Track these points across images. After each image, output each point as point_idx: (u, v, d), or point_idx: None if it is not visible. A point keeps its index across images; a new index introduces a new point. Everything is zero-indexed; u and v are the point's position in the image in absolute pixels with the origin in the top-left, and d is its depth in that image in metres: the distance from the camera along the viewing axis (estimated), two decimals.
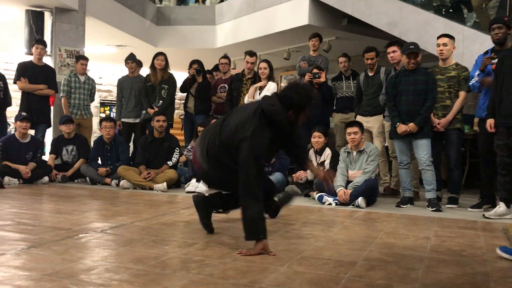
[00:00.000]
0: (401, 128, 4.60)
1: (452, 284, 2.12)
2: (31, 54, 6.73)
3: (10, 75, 7.55)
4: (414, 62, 4.57)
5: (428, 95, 4.55)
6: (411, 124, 4.54)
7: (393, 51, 5.24)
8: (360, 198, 4.46)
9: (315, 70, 5.96)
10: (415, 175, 5.18)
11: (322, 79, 5.91)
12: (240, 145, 2.71)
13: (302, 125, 3.26)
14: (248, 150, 2.67)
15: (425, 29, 5.96)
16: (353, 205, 4.51)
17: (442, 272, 2.31)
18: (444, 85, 4.76)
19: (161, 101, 6.51)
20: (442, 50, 4.75)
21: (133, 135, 7.01)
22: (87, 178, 6.16)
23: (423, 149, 4.55)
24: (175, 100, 7.12)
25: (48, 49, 6.88)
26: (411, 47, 4.62)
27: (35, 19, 7.17)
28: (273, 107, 2.82)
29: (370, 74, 5.66)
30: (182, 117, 7.15)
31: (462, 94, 4.74)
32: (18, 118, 6.00)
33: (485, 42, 5.28)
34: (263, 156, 2.98)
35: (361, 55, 5.77)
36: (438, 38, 4.81)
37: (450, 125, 4.74)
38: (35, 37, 6.98)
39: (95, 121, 9.09)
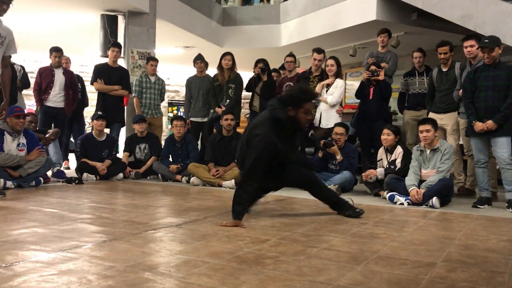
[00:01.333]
0: (478, 126, 4.39)
1: None
2: (106, 56, 7.06)
3: (86, 77, 7.98)
4: (489, 57, 4.34)
5: (509, 92, 4.29)
6: (490, 122, 4.31)
7: (470, 45, 4.97)
8: (434, 198, 4.30)
9: (372, 68, 5.85)
10: (493, 174, 4.92)
11: (381, 77, 5.81)
12: (251, 142, 3.31)
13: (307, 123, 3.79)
14: (257, 150, 3.23)
15: (504, 21, 5.65)
16: (427, 205, 4.35)
17: None
18: None
19: (228, 100, 6.61)
20: None
21: (201, 133, 7.17)
22: (159, 175, 6.38)
23: (502, 147, 4.31)
24: (242, 99, 7.21)
25: (121, 51, 7.18)
26: (485, 41, 4.39)
27: (110, 23, 7.52)
28: (273, 106, 3.37)
29: (444, 70, 5.44)
30: (248, 116, 7.22)
31: None
32: (94, 117, 6.31)
33: None
34: (275, 154, 3.36)
35: (432, 50, 5.56)
36: None
37: None
38: (110, 40, 7.31)
39: (164, 120, 9.39)
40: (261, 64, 6.70)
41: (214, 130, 6.76)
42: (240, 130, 6.70)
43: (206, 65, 7.22)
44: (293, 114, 3.34)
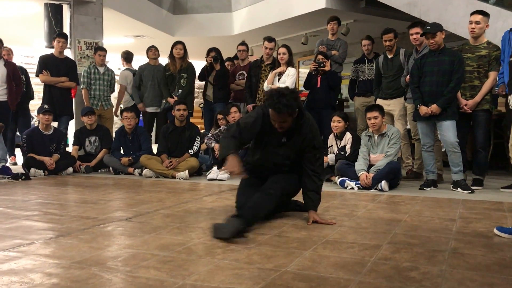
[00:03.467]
0: (423, 110, 4.53)
1: (480, 265, 2.09)
2: (52, 47, 6.81)
3: (31, 69, 7.67)
4: (433, 42, 4.48)
5: (453, 76, 4.43)
6: (434, 106, 4.45)
7: (416, 32, 5.11)
8: (383, 182, 4.42)
9: (319, 58, 5.96)
10: (439, 157, 5.11)
11: (327, 68, 5.93)
12: None
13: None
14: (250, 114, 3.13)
15: (446, 8, 5.84)
16: (376, 188, 4.48)
17: (469, 253, 2.28)
18: (474, 64, 4.64)
19: (180, 90, 6.54)
20: (474, 28, 4.59)
21: (155, 124, 7.07)
22: (110, 168, 6.24)
23: (448, 130, 4.46)
24: (195, 89, 7.14)
25: (68, 41, 6.94)
26: (427, 28, 4.52)
27: (54, 12, 7.24)
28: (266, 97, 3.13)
29: (390, 56, 5.57)
30: (201, 105, 7.17)
31: (492, 74, 4.61)
32: (40, 110, 6.09)
33: (508, 19, 5.15)
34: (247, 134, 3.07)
35: (380, 38, 5.68)
36: (471, 14, 4.65)
37: (478, 106, 4.63)
38: (55, 30, 7.05)
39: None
40: (214, 53, 6.65)
41: (168, 121, 6.68)
42: (193, 120, 6.65)
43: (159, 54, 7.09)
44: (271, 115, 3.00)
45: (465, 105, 4.65)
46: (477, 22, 4.59)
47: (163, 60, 6.96)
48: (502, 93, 4.68)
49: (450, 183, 4.62)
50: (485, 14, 4.61)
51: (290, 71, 6.01)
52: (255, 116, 3.06)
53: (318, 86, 5.99)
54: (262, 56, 6.39)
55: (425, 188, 4.57)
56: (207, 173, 5.69)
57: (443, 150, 4.90)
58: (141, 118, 6.98)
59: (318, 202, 3.14)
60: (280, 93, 2.88)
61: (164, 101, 6.65)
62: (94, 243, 2.50)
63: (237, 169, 2.81)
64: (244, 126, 3.03)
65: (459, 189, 4.43)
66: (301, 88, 10.25)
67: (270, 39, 6.26)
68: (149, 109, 6.92)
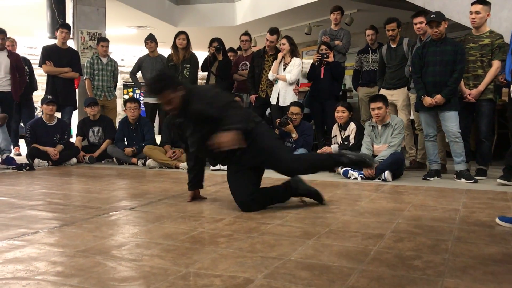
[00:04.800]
0: (427, 100, 4.51)
1: (483, 254, 2.09)
2: (55, 38, 6.80)
3: (34, 60, 7.67)
4: (437, 32, 4.45)
5: (456, 66, 4.41)
6: (438, 96, 4.43)
7: (420, 22, 5.08)
8: (386, 172, 4.42)
9: (322, 48, 5.94)
10: (442, 147, 5.10)
11: (330, 59, 5.92)
12: None
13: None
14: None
15: None
16: (379, 179, 4.48)
17: (472, 242, 2.28)
18: (477, 54, 4.61)
19: (183, 81, 6.52)
20: (474, 18, 4.57)
21: (157, 115, 7.07)
22: (114, 159, 6.26)
23: (451, 121, 4.45)
24: (198, 80, 7.13)
25: (70, 32, 6.93)
26: (432, 16, 4.49)
27: (57, 2, 7.21)
28: None
29: (393, 46, 5.55)
30: None
31: (495, 63, 4.58)
32: (44, 101, 6.10)
33: None
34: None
35: (384, 28, 5.65)
36: (472, 4, 4.63)
37: (481, 95, 4.61)
38: (58, 21, 7.04)
39: (119, 102, 9.19)
40: (216, 44, 6.63)
41: None
42: None
43: (156, 44, 7.08)
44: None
45: (469, 94, 4.62)
46: (477, 12, 4.56)
47: (166, 50, 6.94)
48: (502, 81, 4.64)
49: (454, 174, 4.61)
50: (485, 3, 4.58)
51: (296, 61, 5.99)
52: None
53: (322, 76, 5.98)
54: (264, 47, 6.36)
55: (428, 178, 4.56)
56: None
57: (446, 140, 4.89)
58: (143, 108, 6.98)
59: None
60: (148, 80, 3.10)
61: None
62: (98, 232, 2.51)
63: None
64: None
65: (462, 179, 4.42)
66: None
67: (272, 32, 6.20)
68: (150, 100, 6.92)
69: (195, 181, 3.42)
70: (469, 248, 2.18)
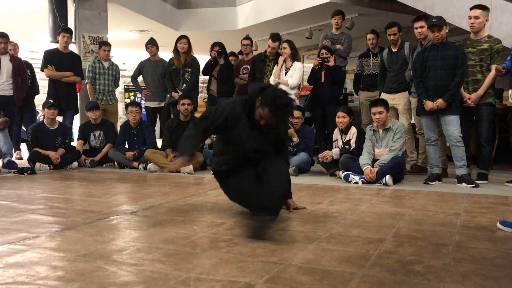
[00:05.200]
0: (428, 105, 4.51)
1: (485, 259, 2.09)
2: (56, 42, 6.82)
3: (36, 64, 7.69)
4: (439, 36, 4.46)
5: (457, 70, 4.42)
6: (440, 100, 4.44)
7: (420, 26, 5.09)
8: (387, 176, 4.42)
9: (323, 52, 5.95)
10: (443, 151, 5.10)
11: (331, 63, 5.94)
12: None
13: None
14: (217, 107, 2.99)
15: (451, 2, 5.78)
16: (380, 183, 4.47)
17: (474, 247, 2.28)
18: (476, 59, 4.62)
19: (184, 85, 6.54)
20: (473, 23, 4.58)
21: (158, 118, 7.09)
22: (115, 162, 6.26)
23: (452, 125, 4.45)
24: (199, 84, 7.14)
25: (72, 36, 6.95)
26: (433, 20, 4.50)
27: (59, 7, 7.23)
28: (251, 90, 2.99)
29: (394, 50, 5.55)
30: (206, 100, 7.18)
31: (494, 67, 4.59)
32: (45, 105, 6.11)
33: None
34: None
35: (385, 32, 5.66)
36: (470, 9, 4.64)
37: (481, 99, 4.61)
38: (60, 25, 7.05)
39: (120, 106, 9.21)
40: (218, 48, 6.65)
41: (172, 115, 6.69)
42: (197, 114, 6.65)
43: (157, 49, 7.10)
44: (257, 107, 2.84)
45: (468, 99, 4.63)
46: (476, 17, 4.57)
47: (168, 54, 6.95)
48: (501, 70, 4.47)
49: (455, 178, 4.60)
50: (484, 8, 4.59)
51: (297, 65, 6.00)
52: (225, 110, 2.93)
53: (322, 81, 6.00)
54: (265, 51, 6.37)
55: (429, 183, 4.56)
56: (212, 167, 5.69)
57: (447, 144, 4.89)
58: (144, 112, 7.00)
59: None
60: (284, 103, 2.78)
61: (168, 95, 6.65)
62: (99, 236, 2.51)
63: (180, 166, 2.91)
64: (212, 120, 2.93)
65: (463, 184, 4.42)
66: (305, 83, 10.28)
67: (274, 38, 6.18)
68: (151, 104, 6.94)
69: (192, 147, 2.96)
70: (470, 253, 2.18)
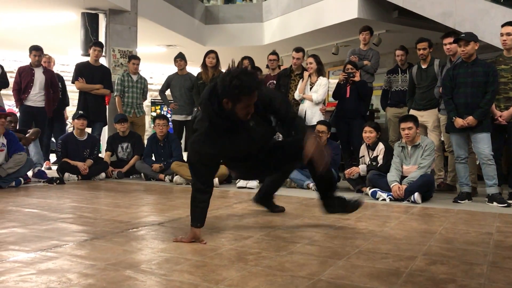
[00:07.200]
0: (458, 122, 4.44)
1: None
2: (87, 55, 6.99)
3: (66, 77, 7.88)
4: (465, 51, 4.39)
5: (488, 88, 4.35)
6: (470, 118, 4.36)
7: (449, 43, 5.03)
8: (416, 194, 4.34)
9: (348, 67, 5.94)
10: (473, 170, 4.99)
11: (357, 79, 5.90)
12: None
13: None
14: (189, 158, 2.75)
15: (482, 19, 5.73)
16: (408, 200, 4.40)
17: (509, 268, 2.21)
18: (508, 76, 4.54)
19: None
20: (505, 40, 4.53)
21: (184, 132, 7.15)
22: (142, 174, 6.33)
23: (483, 143, 4.37)
24: None
25: (103, 49, 7.11)
26: (462, 35, 4.46)
27: (90, 21, 7.44)
28: (202, 101, 2.65)
29: (423, 67, 5.50)
30: None
31: None
32: (75, 116, 6.24)
33: None
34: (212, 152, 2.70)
35: (414, 48, 5.62)
36: (502, 26, 4.59)
37: None
38: (91, 39, 7.24)
39: (148, 119, 9.34)
40: (247, 61, 6.70)
41: None
42: None
43: (186, 63, 7.19)
44: (229, 107, 2.53)
45: (500, 116, 4.54)
46: (508, 34, 4.51)
47: (194, 69, 7.04)
48: None
49: (485, 197, 4.50)
50: None
51: (322, 80, 6.01)
52: (204, 143, 2.68)
53: (348, 96, 5.96)
54: (291, 66, 6.40)
55: (459, 201, 4.46)
56: (237, 181, 5.71)
57: (477, 163, 4.79)
58: (171, 125, 7.07)
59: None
60: (231, 75, 2.45)
61: (195, 109, 6.72)
62: (128, 246, 2.53)
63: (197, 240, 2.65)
64: (201, 165, 2.71)
65: (494, 203, 4.31)
66: (331, 98, 10.26)
67: (298, 50, 6.28)
68: (178, 117, 7.01)
69: (202, 217, 2.76)
70: (506, 274, 2.11)
